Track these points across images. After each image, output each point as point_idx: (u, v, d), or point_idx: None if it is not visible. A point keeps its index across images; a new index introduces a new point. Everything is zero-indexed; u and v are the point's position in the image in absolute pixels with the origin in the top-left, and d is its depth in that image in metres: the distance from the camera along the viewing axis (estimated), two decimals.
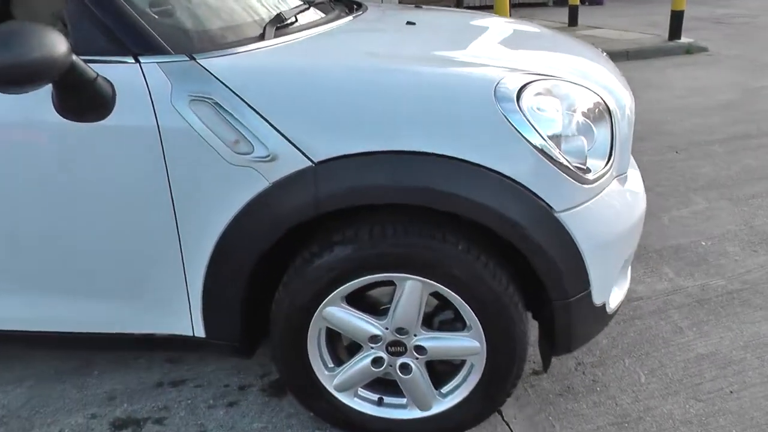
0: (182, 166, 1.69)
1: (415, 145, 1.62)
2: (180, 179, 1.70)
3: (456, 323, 1.85)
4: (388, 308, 1.82)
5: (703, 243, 3.28)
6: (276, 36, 1.89)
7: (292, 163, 1.64)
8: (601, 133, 1.84)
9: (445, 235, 1.70)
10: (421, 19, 2.58)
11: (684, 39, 8.69)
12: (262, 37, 1.85)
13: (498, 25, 2.62)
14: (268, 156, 1.63)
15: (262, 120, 1.64)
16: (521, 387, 2.24)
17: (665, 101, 6.15)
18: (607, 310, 1.97)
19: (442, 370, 1.97)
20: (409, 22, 2.44)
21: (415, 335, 1.82)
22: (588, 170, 1.75)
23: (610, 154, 1.84)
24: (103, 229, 1.80)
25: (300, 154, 1.63)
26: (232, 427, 2.11)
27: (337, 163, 1.62)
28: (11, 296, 1.95)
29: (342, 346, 1.99)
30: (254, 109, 1.64)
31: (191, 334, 1.92)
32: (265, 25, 1.91)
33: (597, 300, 1.86)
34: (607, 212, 1.83)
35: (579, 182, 1.72)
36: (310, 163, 1.63)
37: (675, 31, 8.65)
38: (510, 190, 1.66)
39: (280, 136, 1.63)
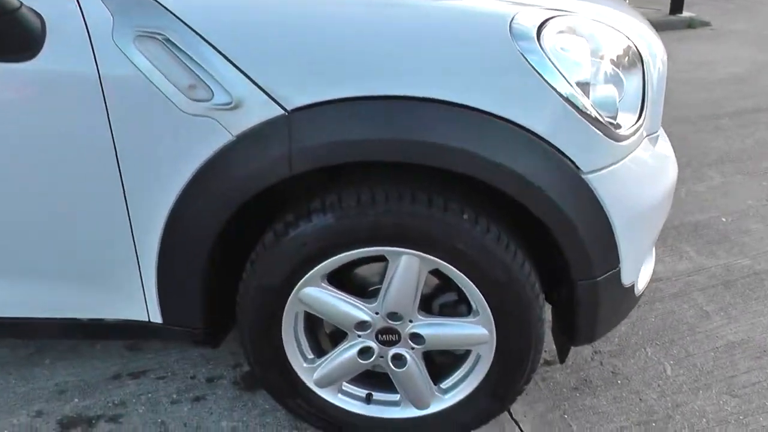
0: (127, 117, 1.39)
1: (412, 90, 1.31)
2: (125, 134, 1.40)
3: (460, 307, 1.56)
4: (378, 289, 1.52)
5: (723, 219, 3.00)
6: None
7: (260, 111, 1.33)
8: (632, 82, 1.54)
9: (447, 202, 1.40)
10: None
11: (686, 13, 8.37)
12: None
13: None
14: (231, 103, 1.32)
15: (223, 60, 1.33)
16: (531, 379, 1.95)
17: (669, 75, 5.85)
18: (635, 291, 1.69)
19: (441, 362, 1.68)
20: None
21: (410, 321, 1.52)
22: (618, 126, 1.46)
23: (642, 108, 1.54)
24: (36, 198, 1.49)
25: (270, 100, 1.32)
26: (198, 426, 1.82)
27: (316, 111, 1.32)
28: None
29: (324, 334, 1.69)
30: (214, 47, 1.33)
31: (146, 319, 1.63)
32: None
33: (626, 280, 1.57)
34: (640, 176, 1.54)
35: (610, 139, 1.43)
36: (283, 112, 1.32)
37: (677, 5, 8.32)
38: (530, 145, 1.36)
39: (246, 79, 1.32)
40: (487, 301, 1.46)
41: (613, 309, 1.60)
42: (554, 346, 1.85)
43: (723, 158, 3.79)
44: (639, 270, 1.64)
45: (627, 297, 1.63)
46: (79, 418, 1.87)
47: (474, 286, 1.44)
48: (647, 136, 1.60)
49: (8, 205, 1.50)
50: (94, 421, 1.85)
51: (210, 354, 2.13)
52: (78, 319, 1.66)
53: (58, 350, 2.19)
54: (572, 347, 1.75)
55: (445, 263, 1.43)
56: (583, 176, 1.39)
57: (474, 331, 1.52)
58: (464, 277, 1.44)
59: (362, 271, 1.57)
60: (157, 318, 1.62)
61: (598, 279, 1.48)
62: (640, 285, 1.71)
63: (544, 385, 1.95)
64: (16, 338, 2.17)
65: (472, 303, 1.51)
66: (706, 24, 8.25)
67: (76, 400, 1.94)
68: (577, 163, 1.38)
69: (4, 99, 1.39)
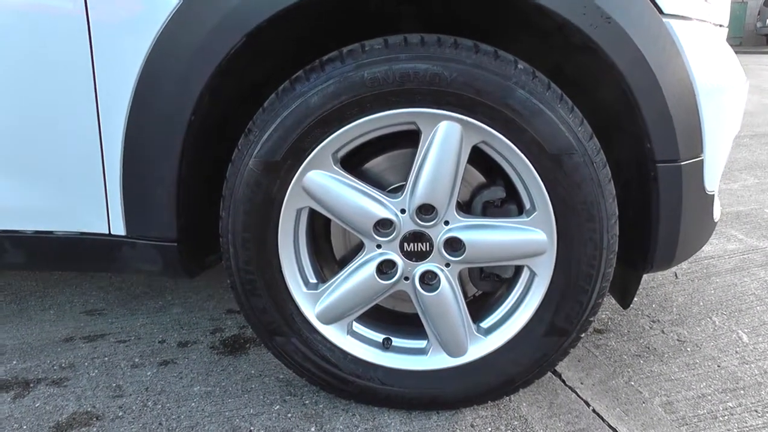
0: None
1: None
2: None
3: (509, 207, 1.20)
4: (401, 187, 1.18)
5: (766, 210, 2.69)
6: None
7: None
8: None
9: (498, 51, 1.07)
10: None
11: None
12: None
13: None
14: None
15: None
16: (582, 347, 1.58)
17: None
18: (714, 214, 1.36)
19: (478, 298, 1.31)
20: None
21: (446, 222, 1.17)
22: None
23: None
24: None
25: None
26: (162, 391, 1.41)
27: None
28: None
29: (331, 262, 1.33)
30: None
31: (106, 232, 1.26)
32: None
33: (708, 184, 1.24)
34: (721, 49, 1.24)
35: None
36: None
37: None
38: None
39: None
40: (545, 187, 1.12)
41: (695, 219, 1.25)
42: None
43: (752, 165, 3.56)
44: (718, 180, 1.31)
45: (707, 211, 1.29)
46: (14, 380, 1.47)
47: (530, 164, 1.10)
48: (716, 24, 1.32)
49: None
50: (32, 385, 1.45)
51: (183, 319, 1.74)
52: (19, 231, 1.29)
53: (1, 314, 1.79)
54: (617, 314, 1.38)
55: (492, 130, 1.09)
56: (664, 19, 1.09)
57: (529, 235, 1.16)
58: (517, 151, 1.10)
59: (378, 165, 1.23)
60: (119, 230, 1.26)
61: (682, 164, 1.15)
62: (716, 211, 1.38)
63: (599, 353, 1.58)
64: None
65: (525, 199, 1.17)
66: None
67: (15, 362, 1.55)
68: (658, 3, 1.08)
69: None
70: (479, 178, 1.23)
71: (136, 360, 1.54)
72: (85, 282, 2.00)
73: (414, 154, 1.15)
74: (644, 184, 1.18)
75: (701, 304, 1.83)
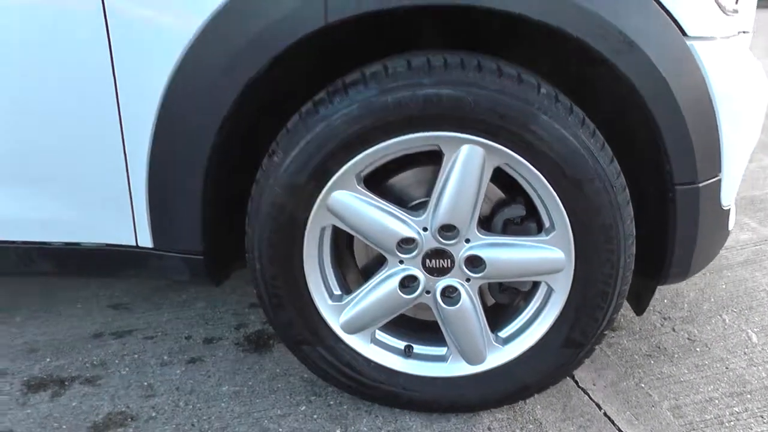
0: None
1: None
2: None
3: (528, 225, 1.24)
4: (422, 204, 1.21)
5: None
6: None
7: None
8: None
9: (521, 74, 1.09)
10: None
11: None
12: None
13: None
14: None
15: None
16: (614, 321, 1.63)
17: None
18: (728, 225, 1.38)
19: (499, 303, 1.36)
20: None
21: (467, 241, 1.20)
22: None
23: None
24: None
25: None
26: (192, 390, 1.48)
27: None
28: None
29: (353, 270, 1.37)
30: None
31: (133, 244, 1.30)
32: None
33: (724, 199, 1.27)
34: (743, 66, 1.25)
35: (717, 6, 1.14)
36: None
37: None
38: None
39: None
40: (565, 209, 1.15)
41: (710, 235, 1.28)
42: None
43: (764, 148, 3.51)
44: (734, 193, 1.33)
45: (722, 225, 1.32)
46: (50, 378, 1.53)
47: (551, 187, 1.13)
48: (742, 32, 1.32)
49: None
50: (67, 383, 1.51)
51: (208, 314, 1.80)
52: (47, 243, 1.33)
53: (29, 308, 1.86)
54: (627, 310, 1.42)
55: (514, 154, 1.12)
56: (688, 42, 1.10)
57: (548, 254, 1.20)
58: (538, 174, 1.12)
59: (400, 181, 1.26)
60: (146, 242, 1.30)
61: (700, 185, 1.17)
62: (731, 221, 1.41)
63: (611, 352, 1.62)
64: None
65: (544, 218, 1.20)
66: None
67: (48, 359, 1.61)
68: (682, 24, 1.09)
69: None
70: (499, 194, 1.26)
71: (165, 358, 1.60)
72: None
73: (435, 170, 1.18)
74: (662, 203, 1.20)
75: (712, 300, 1.86)
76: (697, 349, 1.63)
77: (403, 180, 1.24)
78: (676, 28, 1.10)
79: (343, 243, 1.36)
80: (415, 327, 1.39)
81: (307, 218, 1.18)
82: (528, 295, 1.30)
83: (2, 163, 1.25)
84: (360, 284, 1.30)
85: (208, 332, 1.71)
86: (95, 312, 1.83)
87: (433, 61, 1.07)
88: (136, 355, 1.62)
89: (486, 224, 1.25)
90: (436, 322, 1.31)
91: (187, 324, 1.75)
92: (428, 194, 1.20)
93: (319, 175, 1.14)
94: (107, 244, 1.32)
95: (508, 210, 1.22)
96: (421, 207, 1.22)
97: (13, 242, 1.34)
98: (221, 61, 1.09)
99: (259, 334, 1.69)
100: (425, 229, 1.20)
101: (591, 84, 1.20)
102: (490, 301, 1.36)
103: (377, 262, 1.29)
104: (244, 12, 1.06)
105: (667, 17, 1.08)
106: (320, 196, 1.16)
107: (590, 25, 1.04)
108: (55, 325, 1.77)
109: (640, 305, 1.44)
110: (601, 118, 1.16)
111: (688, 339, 1.68)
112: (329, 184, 1.14)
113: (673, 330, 1.72)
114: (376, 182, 1.23)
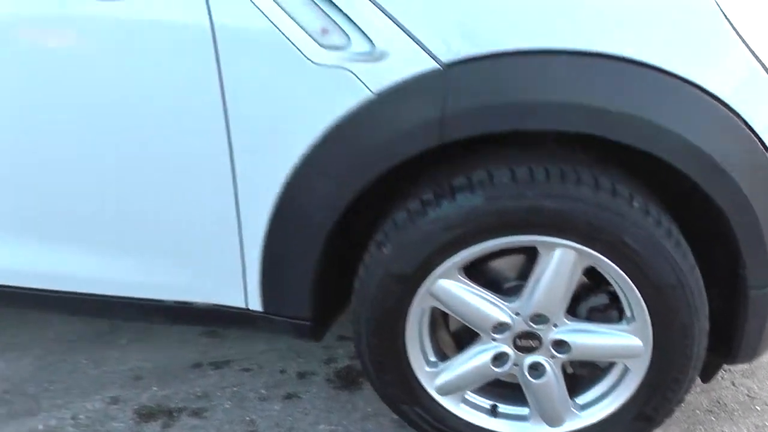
0: (242, 67, 1.19)
1: (616, 46, 1.07)
2: (237, 90, 1.20)
3: (610, 312, 1.32)
4: (515, 287, 1.30)
5: None
6: None
7: (408, 63, 1.11)
8: None
9: (615, 186, 1.16)
10: None
11: None
12: None
13: None
14: (373, 52, 1.11)
15: None
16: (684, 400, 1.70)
17: None
18: None
19: (578, 374, 1.44)
20: None
21: (555, 326, 1.29)
22: None
23: None
24: (127, 163, 1.32)
25: (421, 50, 1.09)
26: (291, 427, 1.62)
27: (478, 66, 1.09)
28: (12, 244, 1.49)
29: (446, 333, 1.47)
30: None
31: (243, 306, 1.43)
32: None
33: None
34: None
35: None
36: (437, 65, 1.09)
37: None
38: (722, 121, 1.12)
39: (391, 23, 1.10)
40: (647, 308, 1.24)
41: None
42: None
43: None
44: None
45: None
46: (159, 408, 1.69)
47: (635, 288, 1.21)
48: None
49: (101, 172, 1.34)
50: (175, 414, 1.67)
51: (299, 346, 1.93)
52: (163, 301, 1.47)
53: (132, 332, 2.02)
54: None
55: (606, 259, 1.20)
56: None
57: (628, 341, 1.29)
58: (626, 277, 1.21)
59: (496, 265, 1.35)
60: (256, 306, 1.42)
61: None
62: None
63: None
64: (89, 316, 2.01)
65: (625, 308, 1.28)
66: None
67: (155, 388, 1.77)
68: (766, 142, 1.14)
69: (98, 53, 1.22)
70: (584, 280, 1.34)
71: (263, 392, 1.75)
72: None
73: (528, 258, 1.27)
74: (732, 300, 1.27)
75: None
76: (757, 408, 1.69)
77: (498, 265, 1.33)
78: (761, 145, 1.14)
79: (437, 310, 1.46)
80: (498, 386, 1.49)
81: (411, 301, 1.28)
82: (605, 370, 1.39)
83: (138, 235, 1.39)
84: (452, 349, 1.41)
85: (301, 366, 1.85)
86: (190, 340, 1.98)
87: (536, 173, 1.15)
88: (235, 388, 1.76)
89: (571, 309, 1.34)
90: (518, 384, 1.41)
91: (280, 356, 1.89)
92: (520, 277, 1.29)
93: (425, 267, 1.24)
94: (219, 305, 1.45)
95: (594, 299, 1.31)
96: (513, 290, 1.31)
97: (136, 299, 1.49)
98: (341, 166, 1.19)
99: (348, 370, 1.82)
100: (517, 314, 1.29)
101: (679, 199, 1.25)
102: (569, 370, 1.46)
103: (468, 329, 1.39)
104: (361, 129, 1.15)
105: (752, 135, 1.12)
106: (424, 284, 1.26)
107: (690, 155, 1.10)
108: (155, 352, 1.92)
109: (706, 375, 1.51)
110: (684, 225, 1.22)
111: (748, 396, 1.73)
112: (433, 274, 1.24)
113: (733, 384, 1.77)
114: (473, 265, 1.32)
